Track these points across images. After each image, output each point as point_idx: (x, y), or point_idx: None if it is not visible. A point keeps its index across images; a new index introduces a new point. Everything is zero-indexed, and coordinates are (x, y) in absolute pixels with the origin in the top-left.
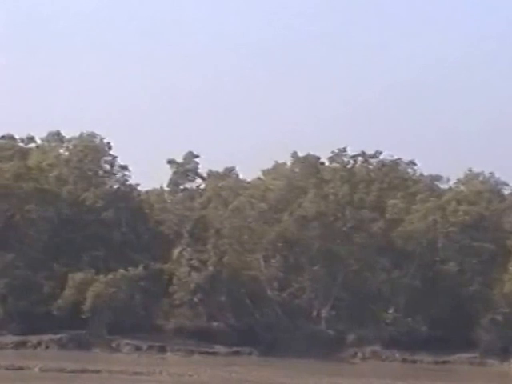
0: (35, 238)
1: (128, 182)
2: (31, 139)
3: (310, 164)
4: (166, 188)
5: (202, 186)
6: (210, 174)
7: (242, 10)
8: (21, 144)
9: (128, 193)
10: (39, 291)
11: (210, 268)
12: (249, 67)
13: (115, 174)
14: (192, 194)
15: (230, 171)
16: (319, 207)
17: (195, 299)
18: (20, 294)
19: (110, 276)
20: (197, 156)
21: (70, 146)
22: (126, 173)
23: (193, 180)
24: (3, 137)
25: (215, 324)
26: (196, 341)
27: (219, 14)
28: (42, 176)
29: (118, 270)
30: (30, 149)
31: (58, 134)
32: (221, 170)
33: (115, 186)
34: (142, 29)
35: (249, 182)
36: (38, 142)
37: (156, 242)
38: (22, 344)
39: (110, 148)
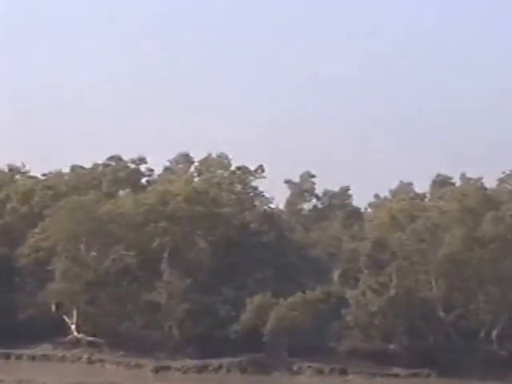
0: (202, 262)
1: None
2: (142, 160)
3: (481, 186)
4: (281, 208)
5: (319, 206)
6: (326, 193)
7: None
8: (131, 165)
9: (273, 214)
10: (215, 315)
11: (392, 291)
12: None
13: (263, 196)
14: (321, 214)
15: (345, 190)
16: (496, 229)
17: (376, 322)
18: (196, 318)
19: (290, 299)
20: (313, 176)
21: (201, 168)
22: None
23: (309, 200)
24: (111, 157)
25: (391, 346)
26: (371, 363)
27: None
28: (204, 199)
29: (292, 293)
30: (141, 170)
31: (187, 155)
32: (336, 189)
33: (263, 208)
34: None
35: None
36: (149, 163)
37: (308, 264)
38: (204, 368)
39: (263, 170)
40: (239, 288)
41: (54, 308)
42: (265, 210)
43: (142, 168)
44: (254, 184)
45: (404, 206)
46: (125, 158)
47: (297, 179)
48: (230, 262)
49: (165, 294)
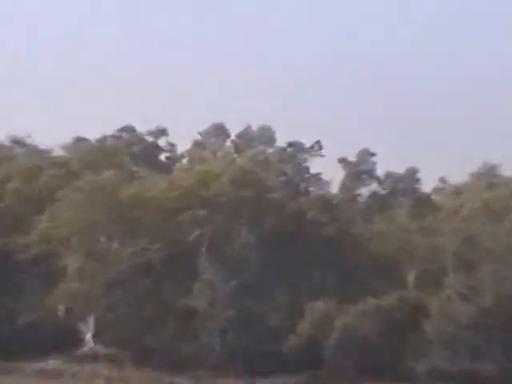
0: (249, 259)
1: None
2: (162, 132)
3: None
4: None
5: (381, 191)
6: (389, 176)
7: None
8: (148, 138)
9: (332, 201)
10: (265, 324)
11: (486, 297)
12: None
13: (319, 179)
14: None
15: (412, 173)
16: None
17: (464, 336)
18: (243, 327)
19: (360, 306)
20: (373, 154)
21: (240, 143)
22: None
23: (368, 184)
24: (123, 128)
25: (483, 366)
26: None
27: None
28: (252, 181)
29: (358, 298)
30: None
31: (221, 126)
32: (401, 171)
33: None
34: None
35: None
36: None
37: (375, 262)
38: None
39: (320, 147)
40: (294, 292)
41: (63, 313)
42: (322, 196)
43: (162, 142)
44: (305, 164)
45: (499, 193)
46: (140, 129)
47: (353, 158)
48: (283, 259)
49: (204, 298)
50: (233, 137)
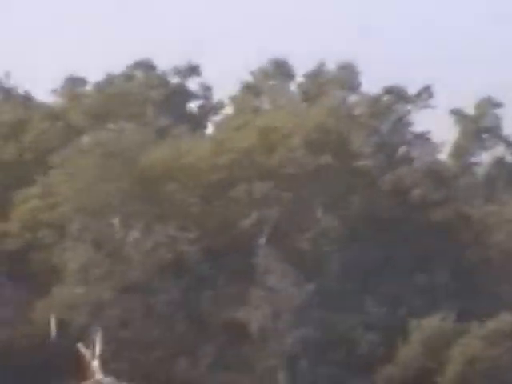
0: (328, 256)
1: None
2: (193, 70)
3: None
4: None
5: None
6: None
7: None
8: (173, 79)
9: (446, 173)
10: (352, 348)
11: None
12: None
13: (426, 139)
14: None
15: None
16: None
17: None
18: (320, 352)
19: (491, 326)
20: (499, 105)
21: (311, 86)
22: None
23: (491, 147)
24: (137, 64)
25: None
26: None
27: None
28: (336, 144)
29: (487, 313)
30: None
31: (283, 64)
32: None
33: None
34: None
35: None
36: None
37: (506, 261)
38: None
39: (430, 95)
40: (393, 302)
41: (56, 330)
42: (432, 166)
43: (192, 84)
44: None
45: None
46: (160, 65)
47: (470, 110)
48: (377, 255)
49: (262, 311)
50: (299, 78)
